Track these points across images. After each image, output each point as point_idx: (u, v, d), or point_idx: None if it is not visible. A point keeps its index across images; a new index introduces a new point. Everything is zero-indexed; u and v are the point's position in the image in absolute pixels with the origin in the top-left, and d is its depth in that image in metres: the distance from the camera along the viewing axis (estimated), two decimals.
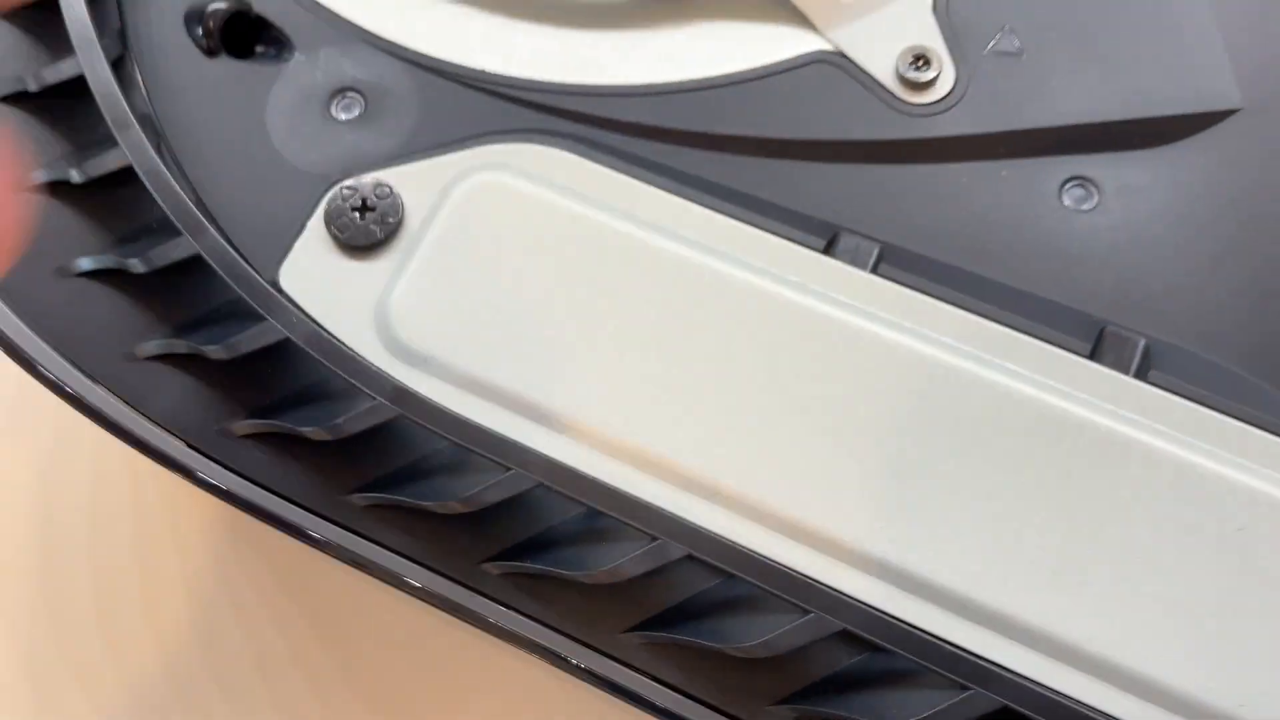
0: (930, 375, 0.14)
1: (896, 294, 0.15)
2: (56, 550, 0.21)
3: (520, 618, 0.14)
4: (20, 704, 0.21)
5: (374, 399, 0.14)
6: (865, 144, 0.16)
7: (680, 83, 0.16)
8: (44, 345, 0.15)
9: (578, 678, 0.14)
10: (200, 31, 0.16)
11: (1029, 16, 0.16)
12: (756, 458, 0.14)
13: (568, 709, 0.19)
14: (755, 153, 0.16)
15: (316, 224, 0.15)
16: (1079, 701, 0.12)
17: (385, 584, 0.15)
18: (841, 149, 0.16)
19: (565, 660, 0.14)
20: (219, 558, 0.21)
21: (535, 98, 0.16)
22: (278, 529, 0.14)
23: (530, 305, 0.14)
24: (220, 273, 0.14)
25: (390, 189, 0.15)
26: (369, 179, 0.15)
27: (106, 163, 0.14)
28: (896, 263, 0.15)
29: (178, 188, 0.14)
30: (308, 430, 0.14)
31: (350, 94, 0.16)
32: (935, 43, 0.16)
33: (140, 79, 0.16)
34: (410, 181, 0.15)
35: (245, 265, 0.14)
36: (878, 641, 0.13)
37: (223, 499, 0.14)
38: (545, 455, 0.13)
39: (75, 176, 0.15)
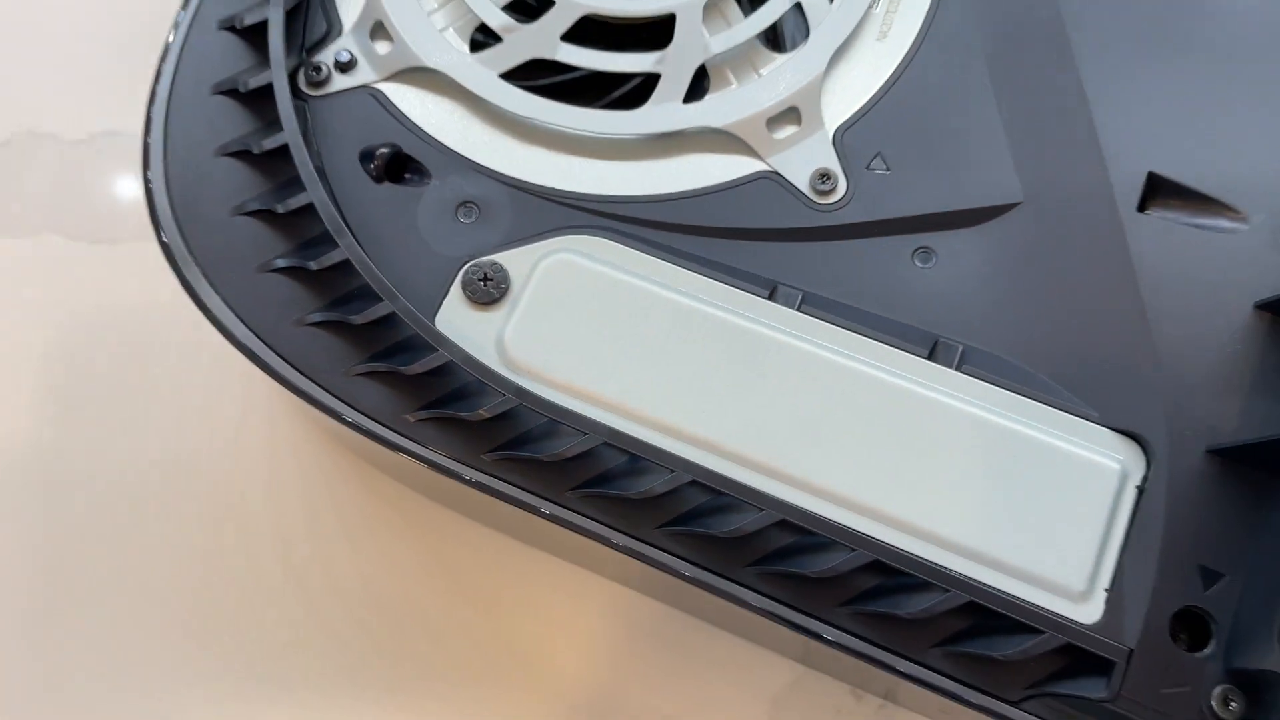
0: (831, 370, 0.23)
1: (812, 323, 0.24)
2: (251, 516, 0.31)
3: (593, 523, 0.23)
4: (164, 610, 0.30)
5: (503, 394, 0.23)
6: (792, 229, 0.25)
7: (678, 193, 0.25)
8: (297, 372, 0.24)
9: (625, 554, 0.23)
10: (371, 166, 0.26)
11: (891, 147, 0.25)
12: (732, 421, 0.23)
13: (609, 595, 0.28)
14: (726, 236, 0.25)
15: (456, 289, 0.24)
16: (905, 551, 0.22)
17: (505, 513, 0.24)
18: (778, 233, 0.25)
19: (616, 544, 0.23)
20: (364, 510, 0.31)
21: (586, 204, 0.25)
22: (446, 476, 0.23)
23: (590, 336, 0.24)
24: (408, 322, 0.23)
25: (500, 265, 0.24)
26: (486, 260, 0.25)
27: (332, 257, 0.24)
28: (812, 303, 0.24)
29: (375, 269, 0.24)
30: (466, 414, 0.23)
31: (469, 205, 0.25)
32: (834, 165, 0.25)
33: (335, 199, 0.25)
34: (512, 261, 0.25)
35: (420, 317, 0.23)
36: (806, 527, 0.22)
37: (412, 458, 0.23)
38: (607, 425, 0.23)
39: (311, 265, 0.24)
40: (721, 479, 0.22)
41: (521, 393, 0.23)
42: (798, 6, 0.26)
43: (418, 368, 0.23)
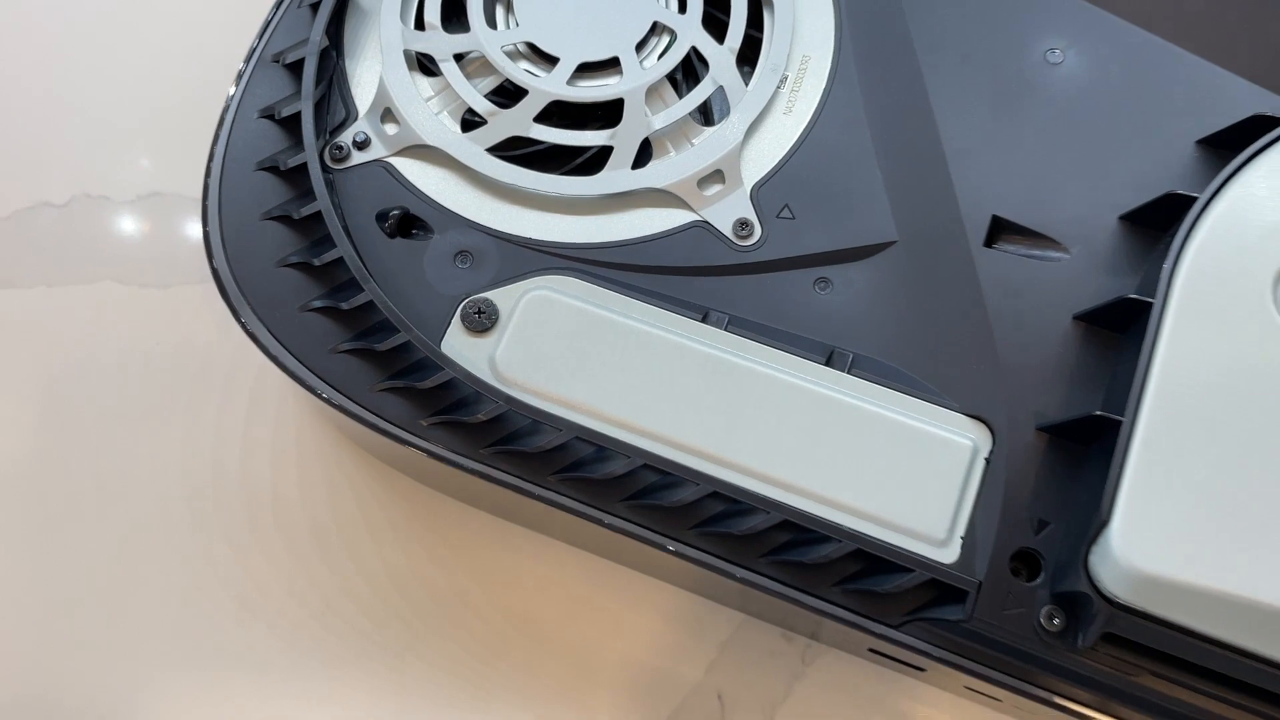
0: (751, 376, 0.30)
1: (736, 339, 0.31)
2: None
3: (569, 500, 0.30)
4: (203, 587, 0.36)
5: (495, 402, 0.29)
6: (719, 266, 0.32)
7: (629, 240, 0.32)
8: (333, 389, 0.30)
9: (595, 525, 0.30)
10: (385, 225, 0.32)
11: (796, 200, 0.32)
12: (674, 417, 0.30)
13: (586, 563, 0.35)
14: (667, 273, 0.32)
15: (456, 321, 0.31)
16: (808, 513, 0.29)
17: (499, 497, 0.30)
18: (708, 269, 0.32)
19: (588, 516, 0.29)
20: (379, 500, 0.37)
21: (557, 251, 0.32)
22: (453, 468, 0.30)
23: (563, 354, 0.30)
24: (420, 348, 0.30)
25: (491, 301, 0.31)
26: (479, 297, 0.31)
27: (359, 299, 0.30)
28: (736, 324, 0.31)
29: (394, 307, 0.30)
30: (467, 418, 0.30)
31: (464, 253, 0.32)
32: (751, 215, 0.32)
33: (358, 252, 0.32)
34: (500, 297, 0.31)
35: (429, 343, 0.30)
36: (733, 497, 0.29)
37: (426, 455, 0.30)
38: (577, 423, 0.29)
39: (343, 305, 0.30)
40: (667, 462, 0.29)
41: (510, 400, 0.30)
42: (721, 89, 0.33)
43: (429, 383, 0.30)
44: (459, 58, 0.34)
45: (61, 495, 0.37)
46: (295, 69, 0.33)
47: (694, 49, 0.34)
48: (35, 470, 0.38)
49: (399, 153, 0.33)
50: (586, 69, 0.34)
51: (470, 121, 0.34)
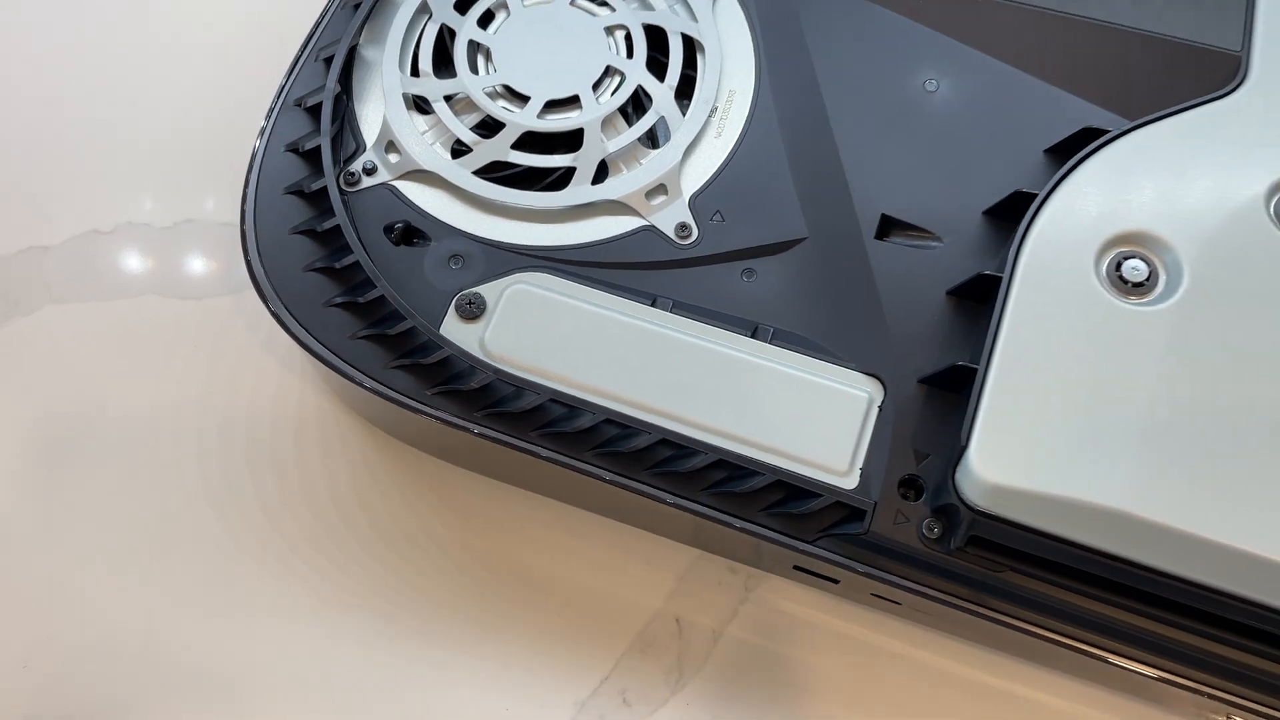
0: (692, 347, 0.37)
1: (679, 319, 0.38)
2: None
3: (549, 451, 0.37)
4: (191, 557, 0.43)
5: (485, 373, 0.37)
6: (665, 262, 0.39)
7: (592, 242, 0.39)
8: (353, 368, 0.37)
9: (570, 470, 0.37)
10: (391, 236, 0.40)
11: (726, 206, 0.40)
12: (630, 380, 0.37)
13: (564, 513, 0.42)
14: (623, 268, 0.39)
15: (452, 311, 0.38)
16: (739, 453, 0.36)
17: (492, 455, 0.38)
18: (656, 264, 0.39)
19: (564, 464, 0.37)
20: (380, 462, 0.44)
21: (533, 253, 0.39)
22: (454, 429, 0.37)
23: (539, 334, 0.38)
24: (424, 332, 0.37)
25: (480, 294, 0.38)
26: (470, 291, 0.38)
27: (373, 294, 0.37)
28: (679, 308, 0.38)
29: (402, 300, 0.37)
30: (463, 387, 0.37)
31: (457, 257, 0.39)
32: (690, 220, 0.40)
33: (370, 258, 0.39)
34: (487, 291, 0.38)
35: (431, 328, 0.37)
36: (678, 443, 0.36)
37: (433, 419, 0.37)
38: (551, 387, 0.37)
39: (360, 300, 0.38)
40: (624, 416, 0.36)
41: (497, 372, 0.37)
42: (663, 119, 0.41)
43: (431, 359, 0.37)
44: (448, 98, 0.41)
45: (115, 458, 0.44)
46: (314, 111, 0.41)
47: (640, 87, 0.41)
48: (98, 429, 0.44)
49: (400, 177, 0.41)
50: (553, 105, 0.41)
51: (459, 149, 0.41)
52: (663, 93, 0.41)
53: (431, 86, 0.41)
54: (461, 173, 0.40)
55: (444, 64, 0.42)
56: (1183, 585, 0.32)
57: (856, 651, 0.40)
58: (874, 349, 0.37)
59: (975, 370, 0.34)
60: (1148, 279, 0.35)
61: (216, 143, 0.50)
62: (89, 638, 0.41)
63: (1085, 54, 0.40)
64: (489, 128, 0.41)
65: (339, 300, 0.38)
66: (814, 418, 0.36)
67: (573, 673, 0.41)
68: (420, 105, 0.42)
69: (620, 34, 0.42)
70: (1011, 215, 0.38)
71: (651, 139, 0.42)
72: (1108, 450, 0.32)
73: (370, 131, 0.41)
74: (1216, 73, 0.39)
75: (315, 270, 0.39)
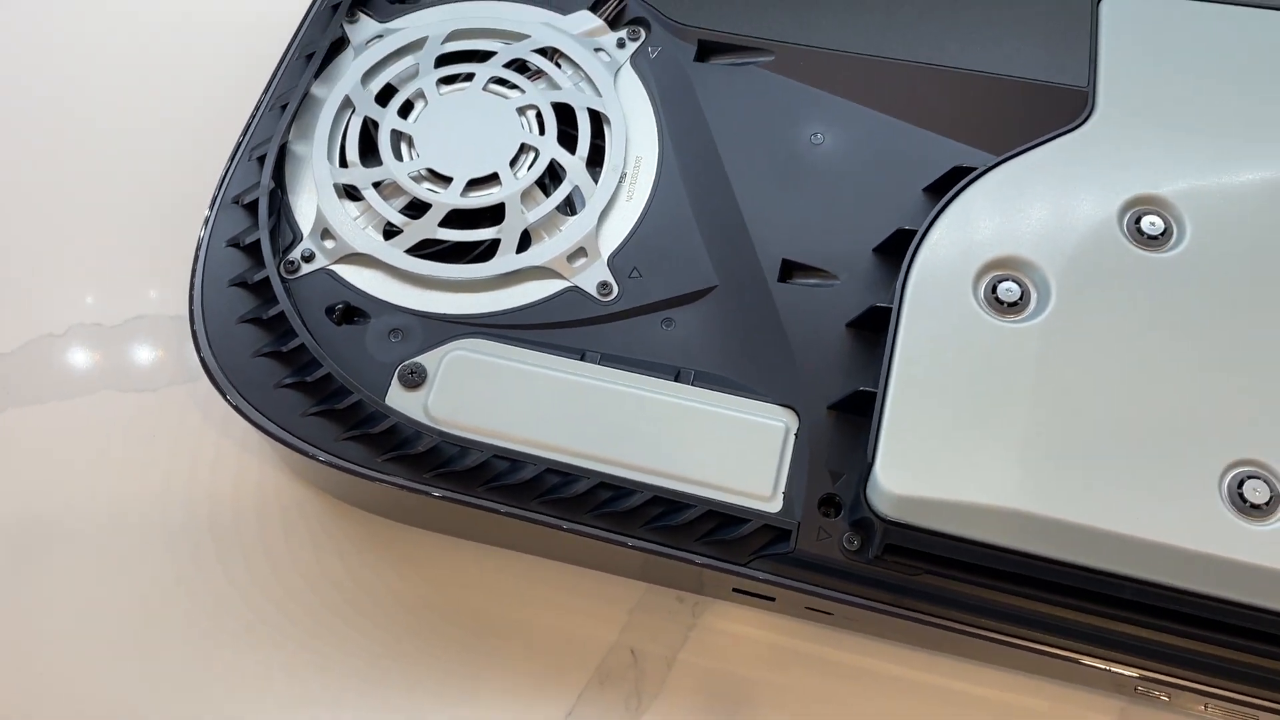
0: (620, 395, 0.40)
1: (607, 370, 0.41)
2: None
3: (495, 504, 0.40)
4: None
5: (432, 437, 0.39)
6: (590, 318, 0.42)
7: (521, 306, 0.43)
8: (306, 443, 0.40)
9: (517, 520, 0.39)
10: (333, 317, 0.43)
11: (641, 262, 0.43)
12: (565, 430, 0.40)
13: (512, 560, 0.45)
14: (552, 328, 0.42)
15: (395, 381, 0.41)
16: (671, 489, 0.39)
17: (441, 512, 0.40)
18: (582, 321, 0.42)
19: (510, 514, 0.39)
20: (339, 531, 0.47)
21: (467, 321, 0.42)
22: (406, 491, 0.40)
23: (477, 396, 0.41)
24: (371, 405, 0.40)
25: (420, 364, 0.41)
26: (411, 361, 0.41)
27: (320, 372, 0.40)
28: (607, 359, 0.41)
29: (347, 376, 0.40)
30: (411, 452, 0.39)
31: (396, 331, 0.42)
32: (610, 278, 0.43)
33: (315, 339, 0.42)
34: (427, 360, 0.41)
35: (377, 400, 0.40)
36: (615, 484, 0.39)
37: (386, 484, 0.40)
38: (492, 444, 0.40)
39: (308, 379, 0.40)
40: (564, 465, 0.39)
41: (442, 434, 0.40)
42: (577, 188, 0.44)
43: (380, 428, 0.40)
44: (377, 185, 0.44)
45: (87, 552, 0.46)
46: (251, 208, 0.44)
47: (554, 160, 0.45)
48: (68, 525, 0.46)
49: (338, 261, 0.44)
50: (474, 183, 0.44)
51: (390, 231, 0.44)
52: (575, 164, 0.45)
53: (360, 175, 0.45)
54: (394, 252, 0.43)
55: (369, 153, 0.46)
56: (1074, 570, 0.36)
57: (798, 663, 0.43)
58: (786, 382, 0.41)
59: (874, 393, 0.38)
60: (1020, 298, 0.39)
61: (158, 239, 0.53)
62: None
63: (952, 100, 0.44)
64: (417, 208, 0.44)
65: (288, 381, 0.41)
66: (737, 450, 0.40)
67: (539, 710, 0.43)
68: (351, 193, 0.45)
69: (531, 113, 0.46)
70: (897, 250, 0.42)
71: (569, 206, 0.45)
72: (995, 455, 0.36)
73: (306, 221, 0.44)
74: (1068, 107, 0.43)
75: (264, 355, 0.41)
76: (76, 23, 0.62)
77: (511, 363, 0.41)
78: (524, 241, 0.44)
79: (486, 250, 0.44)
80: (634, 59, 0.47)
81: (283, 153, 0.45)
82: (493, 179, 0.45)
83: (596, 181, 0.45)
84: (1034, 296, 0.39)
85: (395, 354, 0.42)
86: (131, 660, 0.44)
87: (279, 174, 0.45)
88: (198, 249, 0.44)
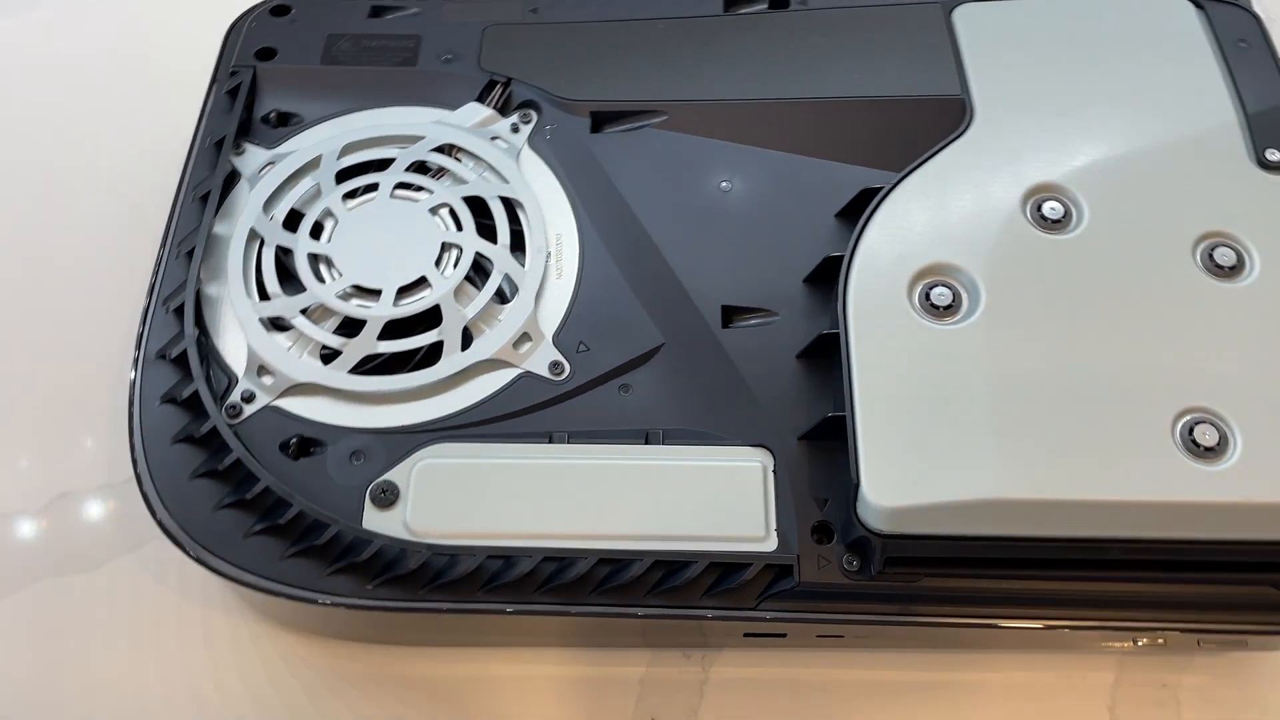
0: (597, 468, 0.41)
1: (577, 448, 0.41)
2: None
3: (497, 605, 0.39)
4: None
5: (420, 552, 0.39)
6: (548, 400, 0.42)
7: (477, 401, 0.42)
8: (291, 588, 0.39)
9: (527, 614, 0.39)
10: (289, 452, 0.41)
11: (586, 335, 0.43)
12: (551, 514, 0.40)
13: (527, 657, 0.44)
14: (512, 417, 0.42)
15: (369, 504, 0.40)
16: (669, 550, 0.39)
17: (441, 625, 0.39)
18: (541, 404, 0.42)
19: (517, 612, 0.39)
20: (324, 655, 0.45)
21: (426, 428, 0.42)
22: (405, 613, 0.39)
23: (454, 499, 0.40)
24: (350, 533, 0.39)
25: (390, 481, 0.41)
26: (379, 481, 0.41)
27: (291, 512, 0.39)
28: (575, 437, 0.42)
29: (319, 509, 0.39)
30: (402, 571, 0.39)
31: (357, 453, 0.41)
32: (559, 357, 0.43)
33: (267, 470, 0.41)
34: (395, 475, 0.41)
35: (353, 527, 0.39)
36: (614, 557, 0.39)
37: (384, 610, 0.39)
38: (484, 546, 0.39)
39: (280, 521, 0.39)
40: (558, 550, 0.39)
41: (429, 547, 0.39)
42: (507, 275, 0.45)
43: (365, 555, 0.39)
44: (304, 311, 0.44)
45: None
46: (179, 360, 0.42)
47: (478, 253, 0.45)
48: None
49: (280, 395, 0.43)
50: (404, 290, 0.44)
51: (328, 354, 0.43)
52: (499, 252, 0.45)
53: (285, 305, 0.44)
54: (338, 375, 0.42)
55: (287, 280, 0.45)
56: (1061, 543, 0.37)
57: (816, 691, 0.44)
58: (752, 423, 0.42)
59: (843, 417, 0.39)
60: (954, 300, 0.41)
61: (65, 412, 0.51)
62: None
63: (843, 128, 0.47)
64: (350, 326, 0.44)
65: (259, 528, 0.40)
66: (722, 498, 0.40)
67: None
68: (278, 324, 0.44)
69: (444, 211, 0.46)
70: (827, 277, 0.44)
71: (502, 295, 0.45)
72: (968, 451, 0.38)
73: (236, 362, 0.43)
74: (950, 116, 0.46)
75: (227, 507, 0.40)
76: None
77: (482, 460, 0.41)
78: (466, 338, 0.44)
79: (430, 353, 0.44)
80: (531, 141, 0.48)
81: (198, 298, 0.44)
82: (421, 283, 0.44)
83: (524, 266, 0.45)
84: (965, 297, 0.41)
85: (361, 476, 0.41)
86: None
87: (198, 319, 0.44)
88: (130, 409, 0.42)
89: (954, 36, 0.48)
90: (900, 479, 0.38)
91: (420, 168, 0.47)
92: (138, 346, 0.43)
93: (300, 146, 0.48)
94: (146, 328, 0.44)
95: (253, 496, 0.40)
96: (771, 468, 0.41)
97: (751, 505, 0.40)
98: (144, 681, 0.45)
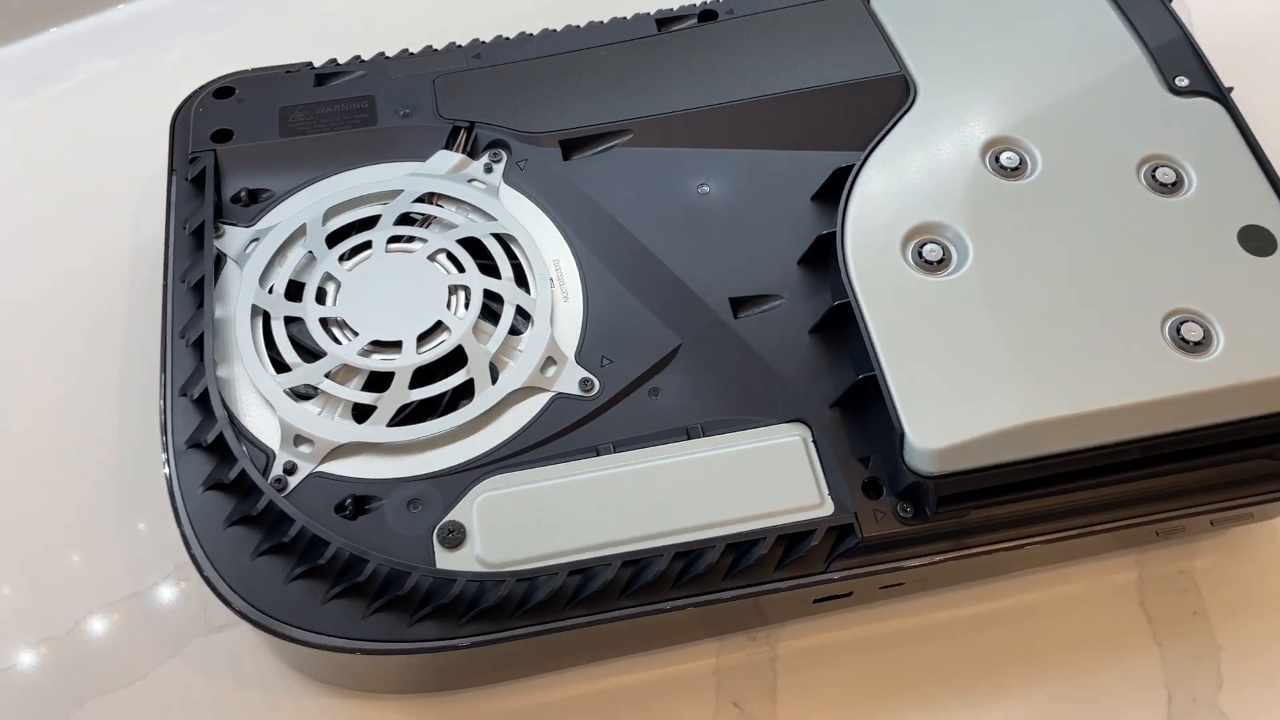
0: (648, 471, 0.42)
1: (624, 455, 0.43)
2: None
3: (588, 617, 0.40)
4: None
5: (502, 581, 0.39)
6: (585, 416, 0.44)
7: (519, 430, 0.43)
8: (372, 642, 0.39)
9: (616, 620, 0.40)
10: (344, 513, 0.41)
11: (607, 349, 0.45)
12: (617, 520, 0.41)
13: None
14: (555, 438, 0.43)
15: (438, 546, 0.40)
16: (736, 532, 0.41)
17: (525, 652, 0.40)
18: (579, 422, 0.43)
19: (610, 619, 0.40)
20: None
21: (476, 464, 0.42)
22: (515, 643, 0.39)
23: (521, 525, 0.41)
24: (430, 576, 0.39)
25: (455, 520, 0.41)
26: (444, 523, 0.41)
27: (369, 569, 0.39)
28: (620, 445, 0.43)
29: (394, 560, 0.39)
30: (489, 604, 0.39)
31: (414, 501, 0.42)
32: (586, 374, 0.45)
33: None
34: (457, 514, 0.41)
35: (430, 569, 0.39)
36: (686, 550, 0.40)
37: (477, 645, 0.39)
38: (563, 563, 0.40)
39: (360, 579, 0.39)
40: (634, 553, 0.40)
41: (511, 574, 0.40)
42: (518, 306, 0.46)
43: (451, 595, 0.39)
44: (329, 375, 0.44)
45: None
46: (215, 447, 0.42)
47: (486, 290, 0.46)
48: None
49: (322, 461, 0.43)
50: (423, 337, 0.45)
51: (361, 411, 0.44)
52: (506, 286, 0.46)
53: (309, 373, 0.44)
54: (377, 430, 0.43)
55: (301, 349, 0.45)
56: (1088, 453, 0.41)
57: (887, 643, 0.46)
58: (784, 400, 0.44)
59: (873, 378, 0.42)
60: (945, 254, 0.44)
61: (62, 528, 0.49)
62: None
63: (801, 119, 0.50)
64: (375, 383, 0.44)
65: (336, 590, 0.40)
66: (773, 475, 0.42)
67: None
68: (299, 394, 0.44)
69: (442, 256, 0.47)
70: (821, 255, 0.46)
71: (514, 328, 0.46)
72: (993, 385, 0.41)
73: (268, 437, 0.43)
74: (897, 92, 0.49)
75: (300, 578, 0.40)
76: None
77: (539, 484, 0.42)
78: (493, 372, 0.44)
79: (463, 390, 0.44)
80: (507, 177, 0.50)
81: (215, 384, 0.44)
82: (439, 328, 0.45)
83: (532, 294, 0.46)
84: (953, 249, 0.44)
85: (423, 523, 0.41)
86: None
87: (223, 405, 0.43)
88: (173, 502, 0.41)
89: (878, 22, 0.52)
90: (940, 422, 0.41)
91: (406, 219, 0.48)
92: (164, 435, 0.43)
93: (281, 219, 0.48)
94: (168, 418, 0.43)
95: (326, 561, 0.40)
96: (811, 438, 0.43)
97: (802, 476, 0.42)
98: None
